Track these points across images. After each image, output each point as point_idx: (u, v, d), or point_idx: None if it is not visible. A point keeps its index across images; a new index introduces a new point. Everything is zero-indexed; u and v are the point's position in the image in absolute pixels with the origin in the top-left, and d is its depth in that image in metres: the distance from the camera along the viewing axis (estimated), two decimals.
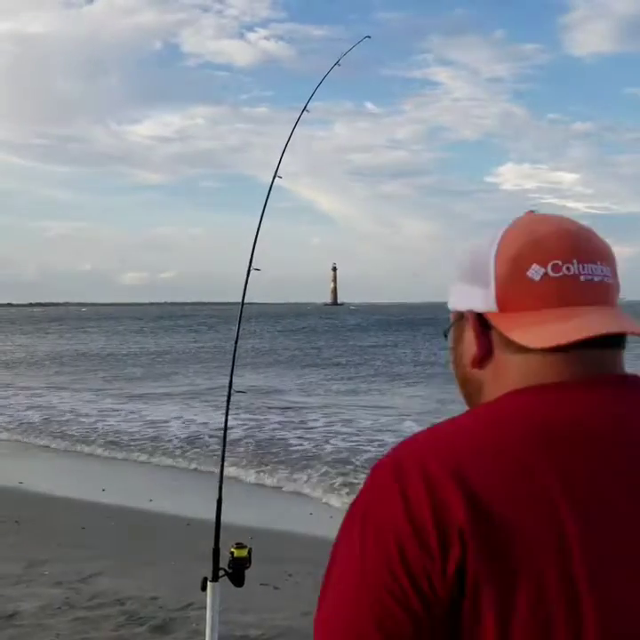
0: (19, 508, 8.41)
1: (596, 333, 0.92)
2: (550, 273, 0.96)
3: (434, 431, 0.94)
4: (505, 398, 0.96)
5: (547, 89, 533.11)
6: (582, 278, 0.96)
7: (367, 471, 0.95)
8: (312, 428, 15.13)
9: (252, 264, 3.95)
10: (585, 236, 1.00)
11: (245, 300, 3.97)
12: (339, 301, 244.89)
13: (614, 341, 0.97)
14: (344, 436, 14.05)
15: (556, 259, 0.96)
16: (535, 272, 0.96)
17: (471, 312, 1.03)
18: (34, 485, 9.86)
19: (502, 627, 0.80)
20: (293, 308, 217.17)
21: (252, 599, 5.12)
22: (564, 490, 0.86)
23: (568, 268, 0.96)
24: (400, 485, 0.85)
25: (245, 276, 3.94)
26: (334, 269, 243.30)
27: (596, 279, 0.97)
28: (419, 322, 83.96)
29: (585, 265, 0.97)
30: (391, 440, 13.49)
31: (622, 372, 1.00)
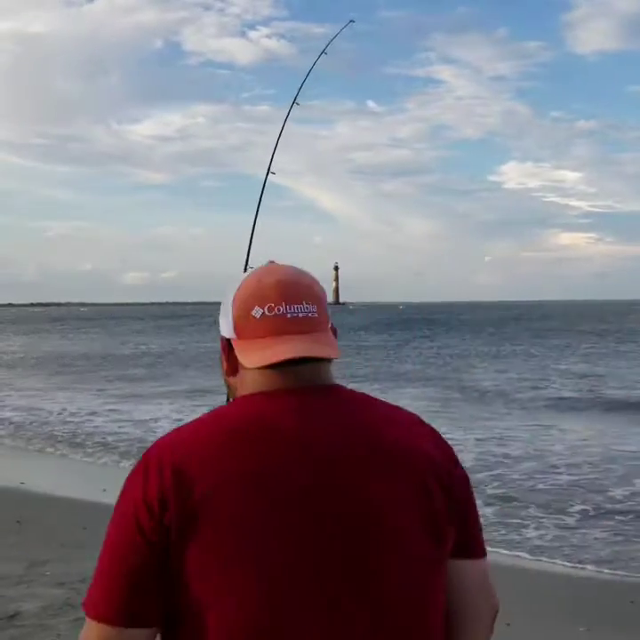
0: (20, 508, 8.39)
1: (290, 356, 1.33)
2: (266, 312, 1.38)
3: (176, 431, 1.38)
4: (235, 401, 1.43)
5: (550, 87, 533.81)
6: (289, 316, 1.38)
7: None
8: None
9: (249, 263, 3.92)
10: (297, 283, 1.42)
11: None
12: (341, 301, 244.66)
13: (315, 359, 1.37)
14: None
15: (271, 302, 1.38)
16: (256, 312, 1.38)
17: (223, 336, 1.46)
18: (35, 485, 9.84)
19: (190, 560, 1.24)
20: None
21: None
22: (252, 470, 1.27)
23: (278, 309, 1.37)
24: (145, 473, 1.29)
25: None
26: (336, 269, 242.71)
27: (300, 315, 1.38)
28: (419, 322, 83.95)
29: (291, 305, 1.38)
30: None
31: (325, 381, 1.41)
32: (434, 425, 1.46)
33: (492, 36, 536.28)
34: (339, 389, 1.42)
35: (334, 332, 1.48)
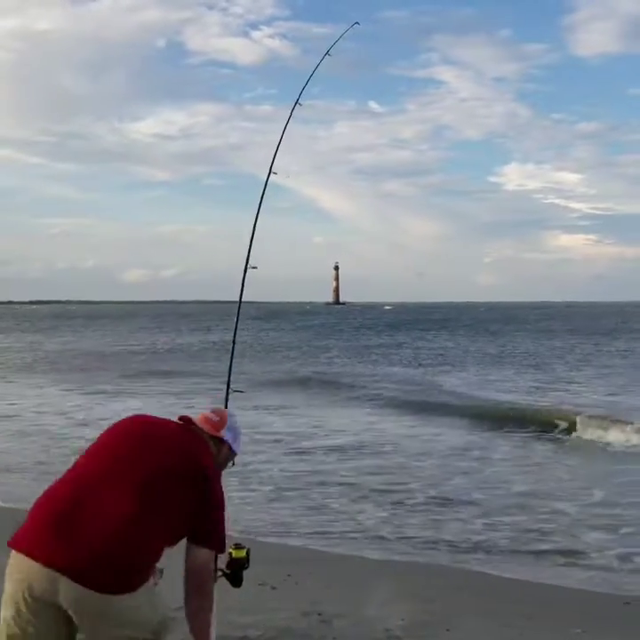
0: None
1: None
2: None
3: None
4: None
5: (551, 89, 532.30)
6: None
7: None
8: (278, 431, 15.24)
9: (250, 262, 3.90)
10: None
11: (246, 299, 3.95)
12: (341, 300, 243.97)
13: None
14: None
15: None
16: None
17: None
18: None
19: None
20: (294, 307, 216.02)
21: (251, 599, 5.11)
22: (110, 436, 3.00)
23: None
24: None
25: (242, 274, 3.91)
26: (336, 268, 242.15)
27: None
28: (413, 323, 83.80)
29: None
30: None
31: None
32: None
33: (494, 38, 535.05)
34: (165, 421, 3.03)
35: None
